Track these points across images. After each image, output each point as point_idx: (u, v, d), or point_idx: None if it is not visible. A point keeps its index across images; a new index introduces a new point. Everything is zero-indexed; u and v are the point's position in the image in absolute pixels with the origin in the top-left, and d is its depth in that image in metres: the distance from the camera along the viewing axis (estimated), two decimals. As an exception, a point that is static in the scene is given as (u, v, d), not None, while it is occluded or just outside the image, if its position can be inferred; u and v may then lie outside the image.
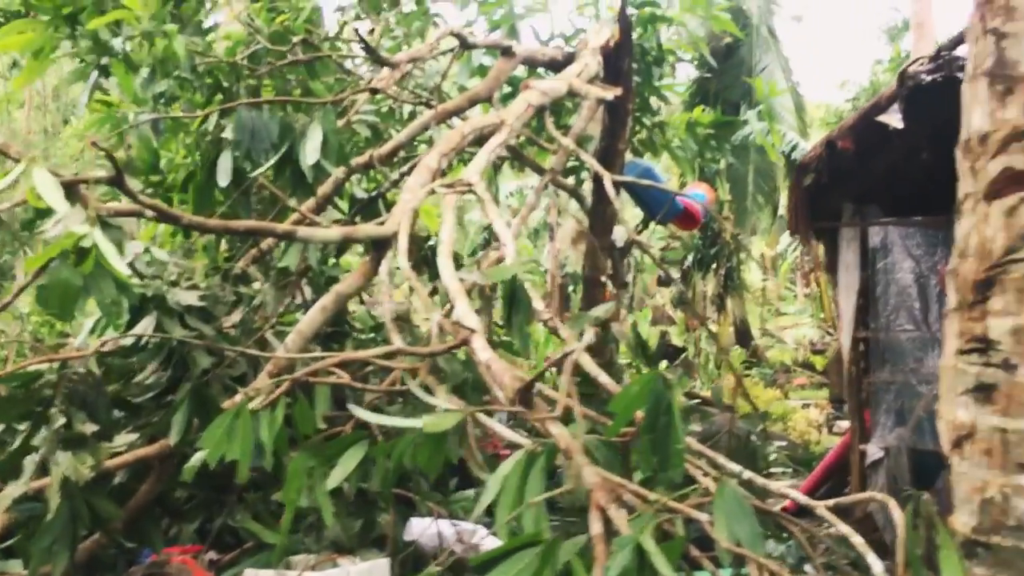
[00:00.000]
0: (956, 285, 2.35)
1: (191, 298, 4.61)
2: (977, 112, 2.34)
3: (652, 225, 8.69)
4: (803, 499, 2.90)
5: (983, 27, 2.33)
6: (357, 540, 4.16)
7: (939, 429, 2.37)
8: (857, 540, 2.69)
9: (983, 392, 2.23)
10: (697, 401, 10.03)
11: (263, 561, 3.77)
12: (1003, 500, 2.19)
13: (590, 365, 3.21)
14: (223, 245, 5.93)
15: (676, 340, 14.85)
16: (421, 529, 4.26)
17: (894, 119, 4.53)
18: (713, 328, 13.79)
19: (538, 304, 3.51)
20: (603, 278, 5.63)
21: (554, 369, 3.16)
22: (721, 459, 2.99)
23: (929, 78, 4.06)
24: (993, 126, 2.29)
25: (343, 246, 5.76)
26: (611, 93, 5.21)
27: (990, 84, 2.31)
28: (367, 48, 4.95)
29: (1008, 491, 2.18)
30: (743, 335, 15.12)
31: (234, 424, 2.63)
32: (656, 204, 6.67)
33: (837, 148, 5.10)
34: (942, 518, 2.34)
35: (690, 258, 13.69)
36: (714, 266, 13.83)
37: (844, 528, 2.74)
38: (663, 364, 12.88)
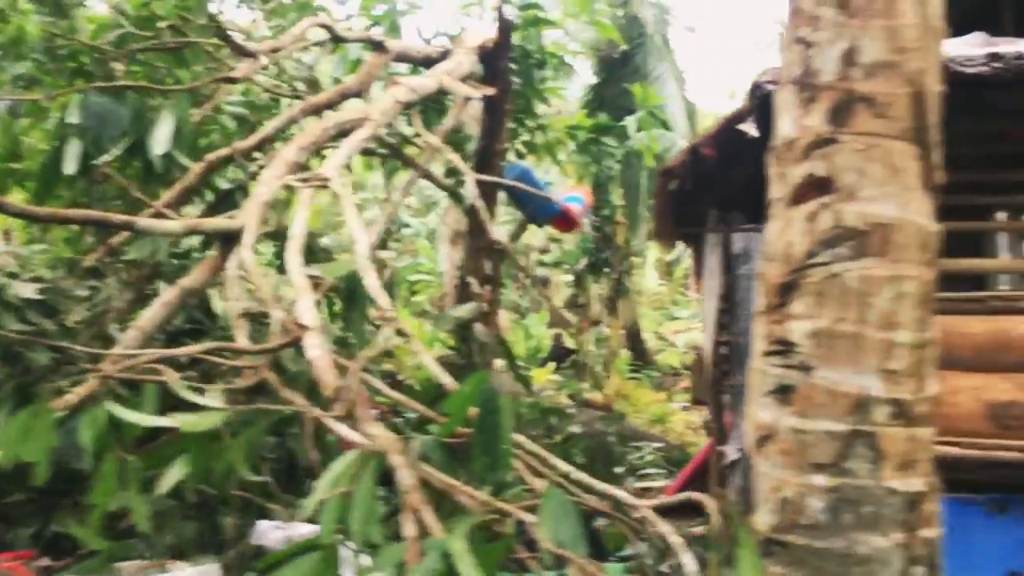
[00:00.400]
0: (763, 288, 2.39)
1: (30, 291, 4.38)
2: (786, 119, 2.39)
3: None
4: (627, 498, 2.92)
5: (792, 35, 2.38)
6: (198, 544, 4.01)
7: (744, 430, 2.41)
8: (675, 540, 2.72)
9: (783, 393, 2.28)
10: (582, 403, 10.15)
11: (89, 568, 3.59)
12: (798, 499, 2.23)
13: (431, 364, 3.17)
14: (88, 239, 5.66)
15: (569, 342, 14.97)
16: (267, 532, 4.14)
17: (751, 128, 4.62)
18: (605, 331, 13.98)
19: (384, 301, 3.45)
20: (470, 279, 5.59)
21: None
22: (553, 459, 2.99)
23: (772, 88, 4.16)
24: (798, 133, 2.34)
25: (209, 240, 5.57)
26: (481, 92, 5.19)
27: (798, 92, 2.36)
28: (224, 36, 4.80)
29: (803, 490, 2.23)
30: (633, 338, 15.37)
31: (32, 424, 2.48)
32: (533, 205, 6.68)
33: (701, 155, 5.19)
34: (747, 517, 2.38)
35: (583, 261, 13.84)
36: (607, 270, 14.01)
37: (664, 527, 2.77)
38: (553, 365, 12.99)
